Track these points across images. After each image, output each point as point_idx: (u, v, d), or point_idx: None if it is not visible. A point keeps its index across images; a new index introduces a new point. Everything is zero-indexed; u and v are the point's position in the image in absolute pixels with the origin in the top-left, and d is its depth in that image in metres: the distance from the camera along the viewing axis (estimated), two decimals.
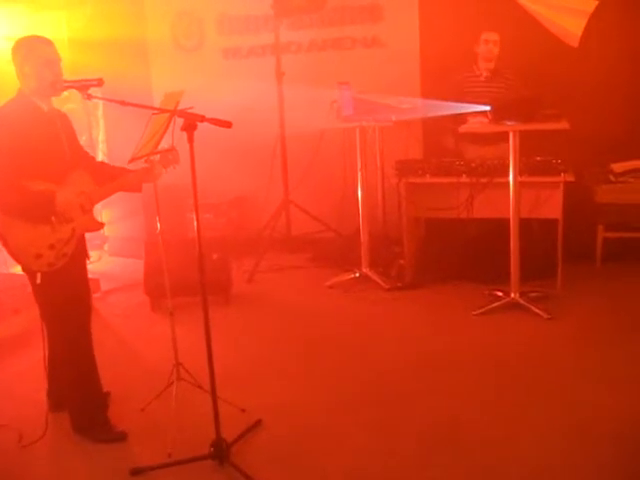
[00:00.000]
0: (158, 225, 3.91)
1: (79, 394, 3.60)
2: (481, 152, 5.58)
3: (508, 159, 4.86)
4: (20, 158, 3.20)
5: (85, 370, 3.61)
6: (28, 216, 3.27)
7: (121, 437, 3.58)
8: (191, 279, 3.95)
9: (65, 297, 3.45)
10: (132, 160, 3.78)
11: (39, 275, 3.32)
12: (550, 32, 5.60)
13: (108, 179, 3.65)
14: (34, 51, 3.32)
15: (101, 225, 3.75)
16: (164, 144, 3.76)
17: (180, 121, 3.09)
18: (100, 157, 7.73)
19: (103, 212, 6.87)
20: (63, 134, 3.48)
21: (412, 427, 3.55)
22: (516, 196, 4.88)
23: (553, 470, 3.12)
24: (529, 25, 5.66)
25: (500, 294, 5.13)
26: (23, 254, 3.30)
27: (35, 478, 3.34)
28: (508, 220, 4.94)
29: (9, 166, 3.17)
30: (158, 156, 3.78)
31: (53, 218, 3.32)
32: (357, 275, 5.91)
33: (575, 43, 5.52)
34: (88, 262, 3.77)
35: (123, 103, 3.21)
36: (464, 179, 5.32)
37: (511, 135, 4.79)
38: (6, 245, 3.30)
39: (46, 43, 3.37)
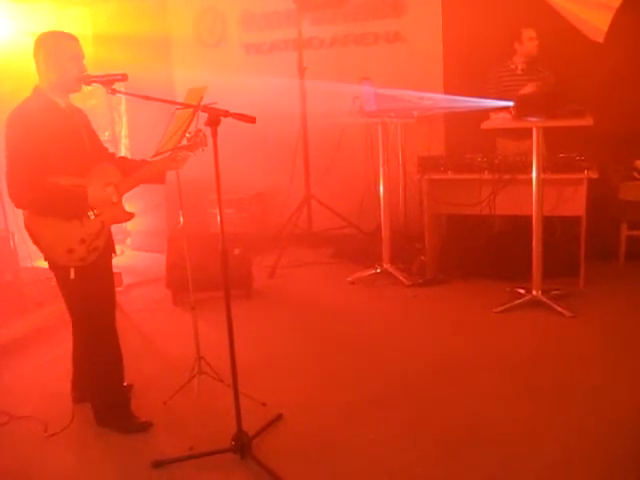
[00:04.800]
0: (181, 220, 3.94)
1: (103, 387, 3.64)
2: (517, 146, 5.55)
3: (531, 156, 4.83)
4: (42, 154, 3.21)
5: (110, 364, 3.63)
6: (61, 213, 3.29)
7: (144, 427, 3.61)
8: (213, 274, 3.99)
9: (94, 292, 3.47)
10: (156, 155, 3.79)
11: (72, 270, 3.34)
12: (575, 27, 5.55)
13: (131, 171, 3.65)
14: (60, 45, 3.33)
15: (131, 215, 3.73)
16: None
17: (203, 116, 3.10)
18: (123, 152, 7.79)
19: (125, 206, 6.90)
20: (83, 129, 3.49)
21: (431, 424, 3.54)
22: (539, 193, 4.85)
23: (573, 467, 3.10)
24: (553, 20, 5.61)
25: (522, 291, 5.09)
26: (55, 250, 3.33)
27: (59, 468, 3.37)
28: (530, 217, 4.92)
29: (31, 163, 3.18)
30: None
31: (90, 212, 3.36)
32: (378, 271, 5.91)
33: (600, 38, 5.47)
34: (114, 257, 3.79)
35: (147, 98, 3.22)
36: (486, 176, 5.30)
37: (534, 131, 4.76)
38: (37, 243, 3.33)
39: (72, 38, 3.38)
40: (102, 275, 3.54)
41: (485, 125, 5.13)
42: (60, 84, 3.34)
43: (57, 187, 3.26)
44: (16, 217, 3.35)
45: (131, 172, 3.64)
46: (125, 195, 3.64)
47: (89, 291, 3.44)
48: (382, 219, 5.90)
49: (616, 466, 3.08)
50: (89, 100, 7.30)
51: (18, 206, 3.32)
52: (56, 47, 3.32)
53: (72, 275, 3.34)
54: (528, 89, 5.61)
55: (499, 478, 3.07)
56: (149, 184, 3.83)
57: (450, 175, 5.48)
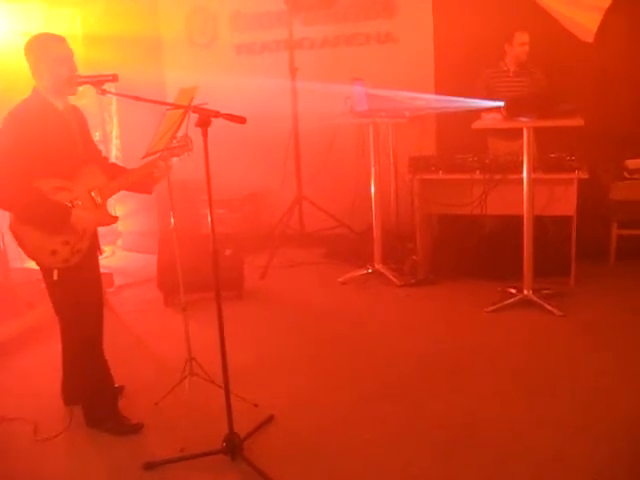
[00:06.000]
0: (172, 220, 3.93)
1: (91, 388, 3.62)
2: (508, 146, 5.57)
3: (522, 155, 4.84)
4: (33, 158, 3.19)
5: (97, 365, 3.62)
6: (41, 227, 3.27)
7: (135, 429, 3.60)
8: (204, 275, 3.98)
9: (79, 293, 3.45)
10: (146, 156, 3.78)
11: (56, 272, 3.34)
12: (565, 27, 5.57)
13: (118, 176, 3.65)
14: (47, 49, 3.30)
15: (115, 219, 3.75)
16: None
17: (194, 117, 3.09)
18: (114, 153, 7.77)
19: (117, 207, 6.90)
20: (77, 131, 3.47)
21: (426, 423, 3.54)
22: (530, 193, 4.86)
23: (567, 466, 3.10)
24: (544, 21, 5.64)
25: (513, 291, 5.10)
26: (39, 252, 3.32)
27: (50, 470, 3.36)
28: (521, 217, 4.93)
29: (21, 168, 3.15)
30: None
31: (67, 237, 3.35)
32: (370, 271, 5.91)
33: (590, 39, 5.50)
34: (100, 257, 3.78)
35: (138, 99, 3.21)
36: (477, 175, 5.31)
37: (525, 131, 4.77)
38: (22, 245, 3.31)
39: (59, 40, 3.35)
40: (87, 276, 3.51)
41: (476, 125, 5.14)
42: (53, 86, 3.32)
43: (42, 199, 3.23)
44: (5, 218, 3.34)
45: (118, 176, 3.64)
46: (114, 197, 3.63)
47: (73, 292, 3.42)
48: (374, 219, 5.90)
49: (609, 464, 3.09)
50: (80, 100, 7.24)
51: (2, 208, 3.31)
52: (43, 51, 3.30)
53: (55, 276, 3.34)
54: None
55: (495, 477, 3.08)
56: (137, 193, 3.82)
57: (441, 175, 5.49)
